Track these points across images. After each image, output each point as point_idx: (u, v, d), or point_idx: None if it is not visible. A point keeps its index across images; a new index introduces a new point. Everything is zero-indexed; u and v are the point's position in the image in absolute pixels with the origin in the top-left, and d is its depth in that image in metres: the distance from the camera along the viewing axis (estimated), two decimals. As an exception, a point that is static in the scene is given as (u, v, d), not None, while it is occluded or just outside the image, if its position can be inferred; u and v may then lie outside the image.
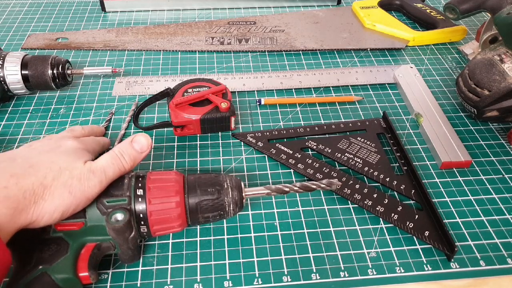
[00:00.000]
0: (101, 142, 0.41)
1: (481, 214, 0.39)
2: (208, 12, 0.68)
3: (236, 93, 0.52)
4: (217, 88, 0.46)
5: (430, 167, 0.43)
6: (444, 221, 0.37)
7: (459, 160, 0.42)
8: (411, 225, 0.37)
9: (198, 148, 0.44)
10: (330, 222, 0.38)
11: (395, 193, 0.40)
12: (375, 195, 0.39)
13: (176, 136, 0.45)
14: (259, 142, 0.44)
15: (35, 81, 0.47)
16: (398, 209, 0.38)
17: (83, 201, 0.31)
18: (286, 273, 0.34)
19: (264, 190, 0.35)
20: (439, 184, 0.41)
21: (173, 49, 0.59)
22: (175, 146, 0.44)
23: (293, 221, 0.38)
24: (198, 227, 0.37)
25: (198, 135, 0.46)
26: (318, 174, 0.41)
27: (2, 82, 0.46)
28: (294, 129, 0.46)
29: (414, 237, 0.36)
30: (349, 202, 0.39)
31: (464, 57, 0.58)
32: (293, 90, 0.52)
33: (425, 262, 0.35)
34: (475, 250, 0.36)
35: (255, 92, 0.52)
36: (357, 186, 0.40)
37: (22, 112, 0.49)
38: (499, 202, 0.40)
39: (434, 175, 0.42)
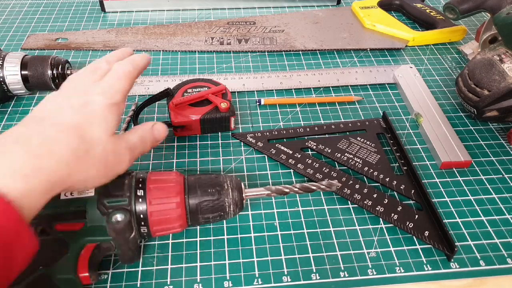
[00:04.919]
0: (129, 71, 0.33)
1: (481, 214, 0.39)
2: (208, 12, 0.68)
3: (236, 93, 0.52)
4: (217, 88, 0.46)
5: (430, 167, 0.43)
6: (444, 221, 0.37)
7: (459, 160, 0.42)
8: (411, 225, 0.37)
9: (198, 148, 0.44)
10: (330, 222, 0.38)
11: (395, 193, 0.40)
12: (375, 195, 0.39)
13: (176, 136, 0.45)
14: (259, 142, 0.44)
15: (35, 82, 0.47)
16: (398, 209, 0.38)
17: (114, 175, 0.31)
18: (286, 273, 0.34)
19: (264, 191, 0.35)
20: (439, 184, 0.41)
21: (173, 49, 0.59)
22: (175, 146, 0.44)
23: (293, 221, 0.38)
24: (198, 227, 0.37)
25: (198, 135, 0.46)
26: (318, 174, 0.41)
27: (2, 83, 0.46)
28: (294, 129, 0.46)
29: (414, 237, 0.36)
30: (349, 202, 0.39)
31: (464, 57, 0.58)
32: (293, 90, 0.52)
33: (425, 262, 0.35)
34: (475, 250, 0.36)
35: (255, 92, 0.52)
36: (357, 186, 0.40)
37: (22, 113, 0.49)
38: (499, 202, 0.40)
39: (434, 175, 0.42)
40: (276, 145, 0.44)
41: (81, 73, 0.33)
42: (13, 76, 0.46)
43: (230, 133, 0.46)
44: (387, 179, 0.41)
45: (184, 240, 0.36)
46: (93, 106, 0.30)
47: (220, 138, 0.46)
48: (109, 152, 0.29)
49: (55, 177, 0.26)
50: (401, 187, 0.40)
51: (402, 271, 0.34)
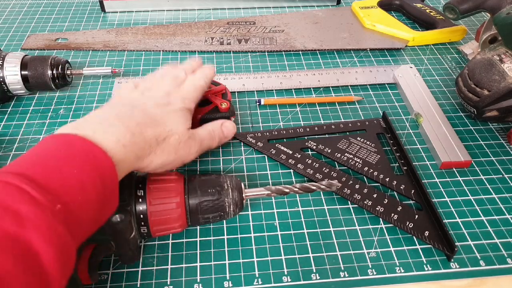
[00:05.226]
0: (202, 86, 0.40)
1: (481, 214, 0.39)
2: (207, 12, 0.68)
3: (236, 93, 0.52)
4: (217, 88, 0.46)
5: (430, 167, 0.43)
6: (444, 221, 0.37)
7: (459, 160, 0.42)
8: (411, 225, 0.37)
9: (198, 148, 0.44)
10: (330, 222, 0.38)
11: (395, 193, 0.40)
12: (375, 195, 0.39)
13: (176, 137, 0.45)
14: (259, 142, 0.44)
15: (35, 82, 0.47)
16: (398, 209, 0.38)
17: (180, 163, 0.36)
18: (286, 273, 0.34)
19: (264, 191, 0.35)
20: (439, 184, 0.41)
21: (172, 49, 0.59)
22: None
23: (293, 221, 0.38)
24: (198, 227, 0.37)
25: (198, 135, 0.46)
26: (318, 174, 0.41)
27: (2, 83, 0.46)
28: (294, 129, 0.46)
29: (414, 237, 0.36)
30: (349, 202, 0.39)
31: (464, 57, 0.58)
32: (293, 90, 0.52)
33: (425, 262, 0.35)
34: (475, 250, 0.36)
35: (255, 92, 0.52)
36: (357, 186, 0.40)
37: (22, 113, 0.49)
38: (499, 202, 0.40)
39: (434, 175, 0.42)
40: (276, 145, 0.44)
41: (163, 77, 0.39)
42: (13, 76, 0.46)
43: (230, 133, 0.46)
44: (387, 179, 0.41)
45: (184, 240, 0.36)
46: (173, 107, 0.35)
47: (220, 138, 0.45)
48: (182, 142, 0.35)
49: (140, 153, 0.31)
50: (401, 187, 0.40)
51: (402, 271, 0.34)
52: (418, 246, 0.36)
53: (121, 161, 0.29)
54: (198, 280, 0.34)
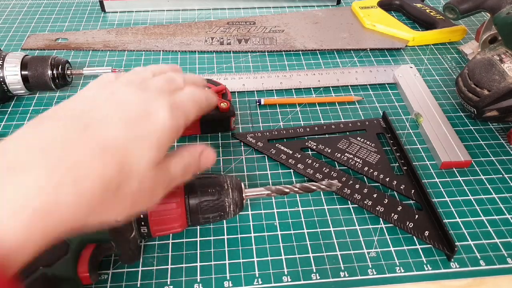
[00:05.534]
0: (202, 103, 0.30)
1: (481, 214, 0.39)
2: (207, 12, 0.68)
3: (236, 93, 0.52)
4: (217, 88, 0.46)
5: (430, 167, 0.43)
6: (444, 221, 0.37)
7: (458, 160, 0.42)
8: (411, 225, 0.37)
9: (198, 148, 0.44)
10: (330, 222, 0.38)
11: (395, 193, 0.40)
12: (375, 195, 0.39)
13: (176, 137, 0.45)
14: (259, 142, 0.44)
15: (35, 82, 0.47)
16: (398, 209, 0.38)
17: (134, 214, 0.25)
18: (286, 273, 0.34)
19: (264, 191, 0.35)
20: (439, 184, 0.41)
21: (172, 49, 0.59)
22: (175, 146, 0.44)
23: (293, 221, 0.38)
24: (198, 227, 0.37)
25: (198, 135, 0.46)
26: (318, 174, 0.41)
27: (2, 83, 0.46)
28: (294, 129, 0.46)
29: (414, 237, 0.36)
30: (349, 202, 0.39)
31: (464, 57, 0.58)
32: (293, 90, 0.52)
33: (425, 262, 0.35)
34: (475, 250, 0.36)
35: (255, 92, 0.52)
36: (357, 186, 0.40)
37: (22, 113, 0.49)
38: (499, 202, 0.40)
39: (434, 175, 0.42)
40: (276, 145, 0.44)
41: (155, 75, 0.28)
42: (13, 76, 0.46)
43: (230, 133, 0.46)
44: (387, 179, 0.41)
45: (184, 240, 0.36)
46: (152, 121, 0.24)
47: (220, 138, 0.46)
48: (144, 189, 0.23)
49: (67, 221, 0.19)
50: (401, 187, 0.40)
51: (402, 271, 0.34)
52: (418, 246, 0.36)
53: (24, 244, 0.18)
54: (198, 280, 0.34)
